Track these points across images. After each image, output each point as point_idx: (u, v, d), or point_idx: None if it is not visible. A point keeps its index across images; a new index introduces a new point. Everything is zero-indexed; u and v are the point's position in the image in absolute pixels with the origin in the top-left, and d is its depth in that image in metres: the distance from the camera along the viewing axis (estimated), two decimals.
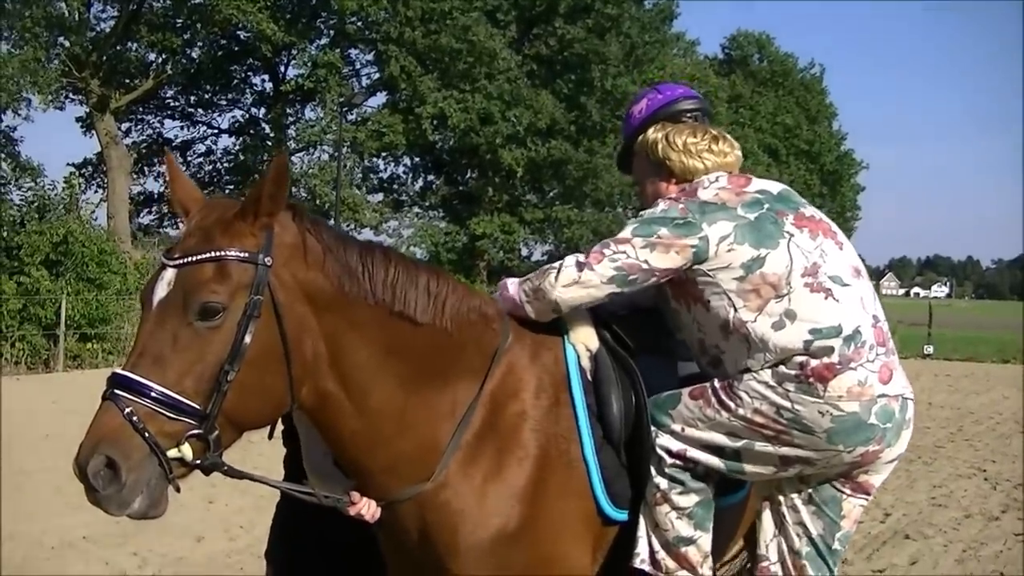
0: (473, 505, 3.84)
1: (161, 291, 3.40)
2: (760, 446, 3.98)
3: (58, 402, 18.01)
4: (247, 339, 3.35)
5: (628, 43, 46.84)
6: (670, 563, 4.09)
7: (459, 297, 3.97)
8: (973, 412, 22.78)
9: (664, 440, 4.07)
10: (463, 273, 42.02)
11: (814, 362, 3.85)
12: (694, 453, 4.05)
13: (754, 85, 68.36)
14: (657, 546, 4.10)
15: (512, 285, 4.18)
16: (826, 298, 3.93)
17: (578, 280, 3.93)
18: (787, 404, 3.87)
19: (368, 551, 4.24)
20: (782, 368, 3.89)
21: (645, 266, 3.92)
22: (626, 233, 3.96)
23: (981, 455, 16.80)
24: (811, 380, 3.85)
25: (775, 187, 4.22)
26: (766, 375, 3.91)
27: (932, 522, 11.75)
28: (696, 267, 3.97)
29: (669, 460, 4.07)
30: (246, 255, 3.40)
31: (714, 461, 4.05)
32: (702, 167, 4.18)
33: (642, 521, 4.12)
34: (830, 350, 3.85)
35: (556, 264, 4.03)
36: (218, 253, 3.38)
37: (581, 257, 3.98)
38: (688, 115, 4.34)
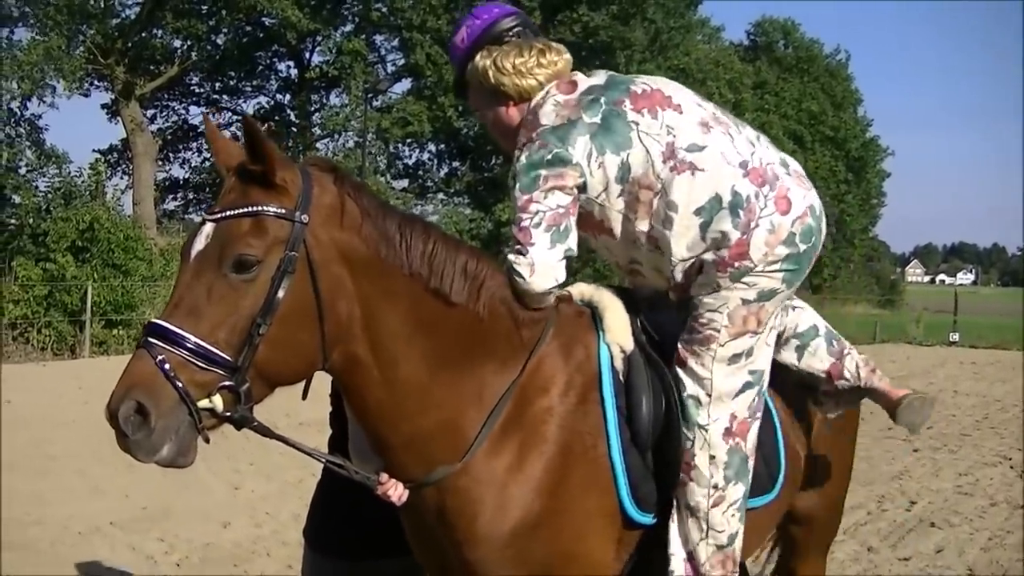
0: (493, 495, 3.84)
1: (199, 244, 3.45)
2: (766, 336, 4.20)
3: (84, 388, 18.05)
4: (280, 294, 3.39)
5: (653, 29, 46.65)
6: (716, 572, 4.12)
7: (497, 284, 3.96)
8: (999, 400, 22.75)
9: (714, 425, 4.09)
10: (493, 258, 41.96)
11: (723, 252, 3.98)
12: (741, 406, 4.15)
13: (779, 71, 68.01)
14: (704, 556, 4.10)
15: None
16: (693, 174, 3.96)
17: (532, 264, 3.90)
18: (740, 293, 4.05)
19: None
20: (707, 276, 4.03)
21: (560, 209, 3.91)
22: (520, 196, 3.92)
23: (1007, 443, 16.78)
24: (735, 265, 4.00)
25: (601, 77, 4.18)
26: (703, 291, 4.05)
27: (958, 510, 11.74)
28: (585, 197, 3.99)
29: (725, 445, 4.09)
30: (283, 211, 3.44)
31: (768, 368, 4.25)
32: (536, 83, 4.13)
33: (676, 537, 4.12)
34: (725, 235, 3.96)
35: (508, 271, 3.98)
36: (255, 208, 3.44)
37: (515, 246, 3.96)
38: (510, 34, 4.24)
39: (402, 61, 47.92)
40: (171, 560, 9.25)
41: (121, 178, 46.94)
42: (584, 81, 4.15)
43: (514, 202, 3.95)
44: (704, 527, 4.09)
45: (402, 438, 3.81)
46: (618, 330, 4.18)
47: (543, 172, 3.88)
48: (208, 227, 3.47)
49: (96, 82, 43.89)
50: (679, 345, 4.13)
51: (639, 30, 45.12)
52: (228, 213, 3.46)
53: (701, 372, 4.10)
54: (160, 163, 47.97)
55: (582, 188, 3.96)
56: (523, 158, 3.94)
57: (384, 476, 3.86)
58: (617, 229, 4.06)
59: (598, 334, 4.17)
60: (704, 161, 3.98)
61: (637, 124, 3.98)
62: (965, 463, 14.88)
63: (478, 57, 4.15)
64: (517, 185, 3.92)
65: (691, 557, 4.11)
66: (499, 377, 3.93)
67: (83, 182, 33.10)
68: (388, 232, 3.69)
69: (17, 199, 33.58)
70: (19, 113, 38.37)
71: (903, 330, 43.55)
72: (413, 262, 3.72)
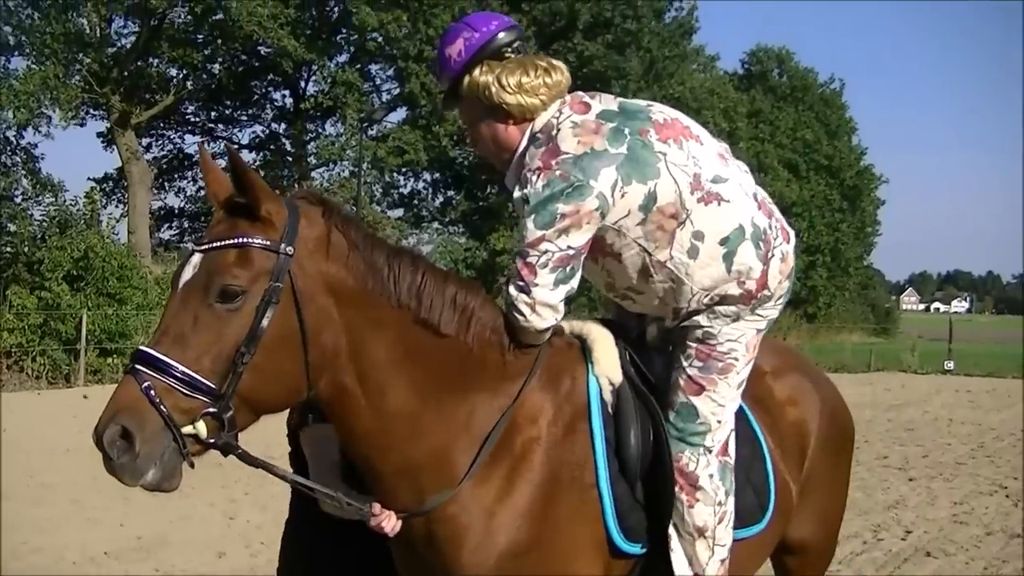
0: (481, 523, 3.86)
1: (188, 274, 3.52)
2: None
3: (79, 417, 18.02)
4: (265, 323, 3.44)
5: (648, 58, 46.77)
6: None
7: (487, 314, 4.00)
8: (994, 428, 22.73)
9: (716, 447, 4.18)
10: (483, 289, 41.94)
11: (750, 284, 4.10)
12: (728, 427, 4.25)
13: (774, 100, 68.25)
14: (712, 573, 4.15)
15: None
16: (719, 204, 4.03)
17: (534, 302, 3.91)
18: (755, 324, 4.24)
19: (380, 568, 4.23)
20: (730, 307, 4.13)
21: (571, 251, 3.90)
22: (533, 231, 3.87)
23: (1003, 472, 16.76)
24: (758, 296, 4.15)
25: (613, 103, 4.15)
26: (724, 323, 4.16)
27: (953, 539, 11.74)
28: (601, 223, 3.95)
29: (718, 462, 4.17)
30: (268, 243, 3.49)
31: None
32: (540, 103, 4.09)
33: (682, 562, 4.15)
34: (750, 268, 4.07)
35: (507, 301, 4.00)
36: (242, 240, 3.49)
37: (518, 281, 3.94)
38: (509, 49, 4.15)
39: (397, 90, 47.98)
40: None
41: (116, 207, 46.96)
42: (595, 103, 4.12)
43: (525, 231, 3.91)
44: (712, 545, 4.14)
45: (392, 466, 3.83)
46: (607, 362, 4.20)
47: (560, 207, 3.83)
48: (196, 257, 3.54)
49: (92, 111, 43.98)
50: (690, 374, 4.18)
51: (634, 59, 45.24)
52: (215, 244, 3.52)
53: (719, 400, 4.18)
54: (155, 192, 48.06)
55: (602, 217, 3.93)
56: (540, 185, 3.88)
57: (377, 507, 3.86)
58: (626, 255, 4.06)
59: (587, 366, 4.20)
60: (728, 192, 4.05)
61: (665, 155, 3.98)
62: (961, 492, 14.87)
63: (477, 72, 4.08)
64: (532, 217, 3.88)
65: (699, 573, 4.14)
66: (489, 406, 3.96)
67: (78, 211, 33.11)
68: (376, 264, 3.74)
69: (12, 228, 33.53)
70: (15, 142, 38.51)
71: (898, 358, 43.49)
72: (401, 293, 3.77)
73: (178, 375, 3.35)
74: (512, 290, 3.95)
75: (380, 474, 3.87)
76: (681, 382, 4.20)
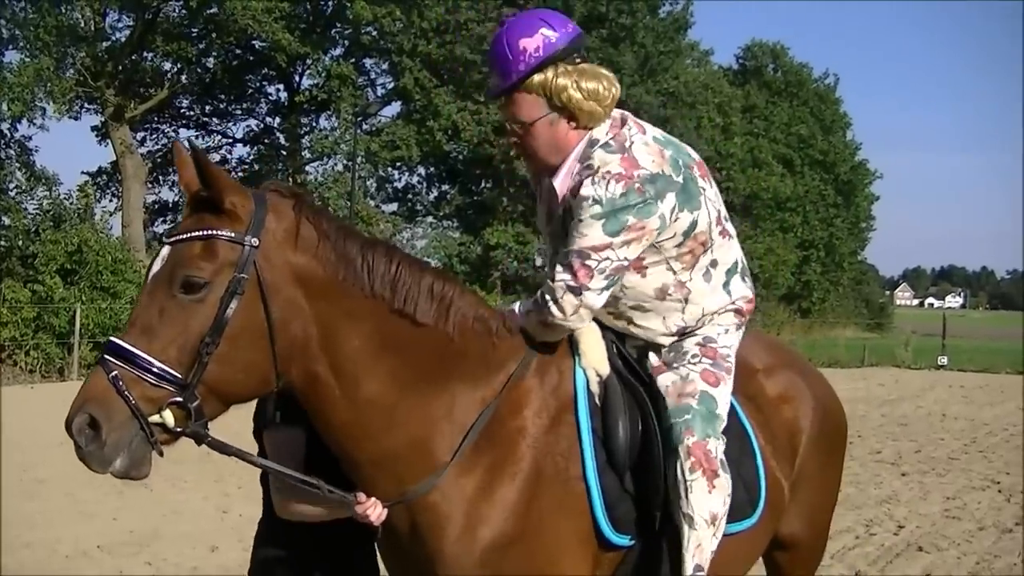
0: (463, 513, 3.89)
1: (156, 266, 3.60)
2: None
3: None
4: (228, 314, 3.50)
5: (642, 53, 46.77)
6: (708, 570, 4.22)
7: (467, 303, 4.04)
8: (987, 424, 22.75)
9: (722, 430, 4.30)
10: (478, 284, 41.96)
11: (745, 305, 4.53)
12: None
13: (768, 95, 68.20)
14: (708, 560, 4.18)
15: (519, 316, 4.23)
16: (729, 239, 4.46)
17: (580, 304, 4.01)
18: (738, 336, 4.57)
19: (350, 569, 4.20)
20: (726, 320, 4.47)
21: (625, 263, 4.06)
22: (600, 236, 3.97)
23: (995, 467, 16.78)
24: (747, 316, 4.60)
25: (653, 128, 4.34)
26: (720, 331, 4.46)
27: (946, 534, 11.74)
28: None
29: (724, 444, 4.27)
30: (233, 235, 3.55)
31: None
32: (603, 113, 4.18)
33: (690, 550, 4.14)
34: (744, 294, 4.53)
35: (547, 294, 4.06)
36: (207, 232, 3.55)
37: (570, 279, 4.00)
38: (576, 56, 4.20)
39: (391, 84, 47.98)
40: None
41: (110, 200, 46.96)
42: (647, 125, 4.31)
43: (587, 232, 3.99)
44: (716, 533, 4.18)
45: (369, 456, 3.86)
46: (594, 355, 4.25)
47: (631, 219, 3.98)
48: (165, 250, 3.61)
49: (86, 105, 43.90)
50: (705, 366, 4.34)
51: (629, 54, 45.24)
52: (182, 237, 3.59)
53: (727, 395, 4.36)
54: (149, 186, 47.94)
55: (656, 236, 4.12)
56: (618, 192, 3.97)
57: (362, 496, 3.86)
58: (652, 271, 4.23)
59: (574, 358, 4.24)
60: (732, 229, 4.46)
61: (704, 191, 4.27)
62: (953, 487, 14.88)
63: (551, 72, 4.09)
64: (602, 222, 3.97)
65: (698, 569, 4.16)
66: (471, 396, 3.99)
67: (72, 204, 33.09)
68: (349, 255, 3.77)
69: (6, 221, 33.58)
70: (9, 135, 38.48)
71: (892, 353, 43.52)
72: (375, 284, 3.80)
73: (144, 365, 3.42)
74: (559, 287, 4.03)
75: (358, 464, 3.90)
76: (699, 373, 4.30)
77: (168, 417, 3.44)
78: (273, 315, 3.56)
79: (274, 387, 3.70)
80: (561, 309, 4.01)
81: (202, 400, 3.50)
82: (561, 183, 4.19)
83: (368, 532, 4.07)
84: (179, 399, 3.45)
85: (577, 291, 3.99)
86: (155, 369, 3.42)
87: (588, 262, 3.98)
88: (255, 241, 3.56)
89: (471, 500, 3.90)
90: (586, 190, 4.00)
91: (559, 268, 4.04)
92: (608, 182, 3.98)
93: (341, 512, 3.89)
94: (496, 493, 3.91)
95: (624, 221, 3.96)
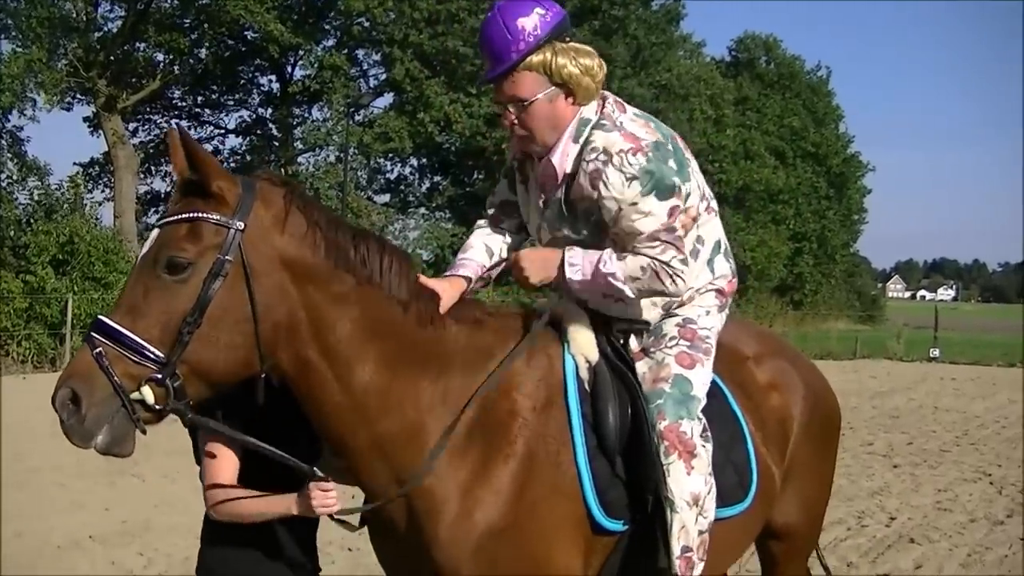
0: (456, 498, 3.92)
1: (145, 248, 3.70)
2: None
3: None
4: (211, 295, 3.56)
5: (635, 45, 46.75)
6: (701, 556, 4.24)
7: None
8: (979, 416, 22.78)
9: (699, 411, 4.31)
10: None
11: (725, 285, 4.63)
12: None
13: (761, 87, 68.16)
14: (695, 543, 4.20)
15: (607, 267, 4.21)
16: (714, 215, 4.60)
17: (689, 272, 4.26)
18: (720, 318, 4.63)
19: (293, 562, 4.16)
20: (706, 300, 4.56)
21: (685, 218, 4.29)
22: (660, 206, 4.11)
23: (987, 459, 16.81)
24: (728, 296, 4.67)
25: (635, 108, 4.46)
26: (701, 312, 4.53)
27: (937, 526, 11.77)
28: None
29: (701, 427, 4.29)
30: (218, 218, 3.61)
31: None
32: (595, 90, 4.29)
33: (676, 534, 4.16)
34: (724, 273, 4.63)
35: (655, 263, 4.16)
36: (193, 215, 3.63)
37: (676, 254, 4.16)
38: (566, 35, 4.31)
39: (383, 76, 47.88)
40: (151, 574, 9.22)
41: (102, 191, 46.90)
42: (625, 104, 4.43)
43: (649, 206, 4.11)
44: (699, 515, 4.19)
45: (363, 442, 3.89)
46: (583, 342, 4.30)
47: (674, 180, 4.14)
48: (154, 232, 3.70)
49: (78, 95, 43.81)
50: (682, 349, 4.38)
51: (621, 46, 45.16)
52: (170, 219, 3.67)
53: (704, 377, 4.38)
54: (142, 176, 47.91)
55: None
56: (642, 160, 4.09)
57: (330, 485, 3.83)
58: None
59: (563, 345, 4.28)
60: (715, 206, 4.54)
61: (690, 161, 4.38)
62: (945, 479, 14.90)
63: (549, 51, 4.18)
64: (652, 193, 4.08)
65: (686, 551, 4.18)
66: (464, 381, 4.04)
67: (63, 195, 33.05)
68: (341, 243, 3.83)
69: None
70: (0, 125, 38.31)
71: (884, 346, 43.54)
72: (373, 272, 3.87)
73: (128, 342, 3.49)
74: (673, 257, 4.16)
75: (352, 448, 3.92)
76: (673, 356, 4.34)
77: (148, 394, 3.50)
78: (257, 298, 3.61)
79: (258, 370, 3.71)
80: (683, 279, 4.21)
81: (185, 380, 3.55)
82: (559, 161, 4.26)
83: (309, 526, 4.11)
84: (158, 376, 3.50)
85: (687, 260, 4.20)
86: (137, 346, 3.49)
87: (676, 234, 4.16)
88: (240, 224, 3.60)
89: (466, 484, 3.93)
90: (613, 175, 4.09)
91: (658, 249, 4.14)
92: (626, 157, 4.08)
93: (275, 513, 3.90)
94: (491, 477, 3.94)
95: (669, 185, 4.11)
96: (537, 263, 4.26)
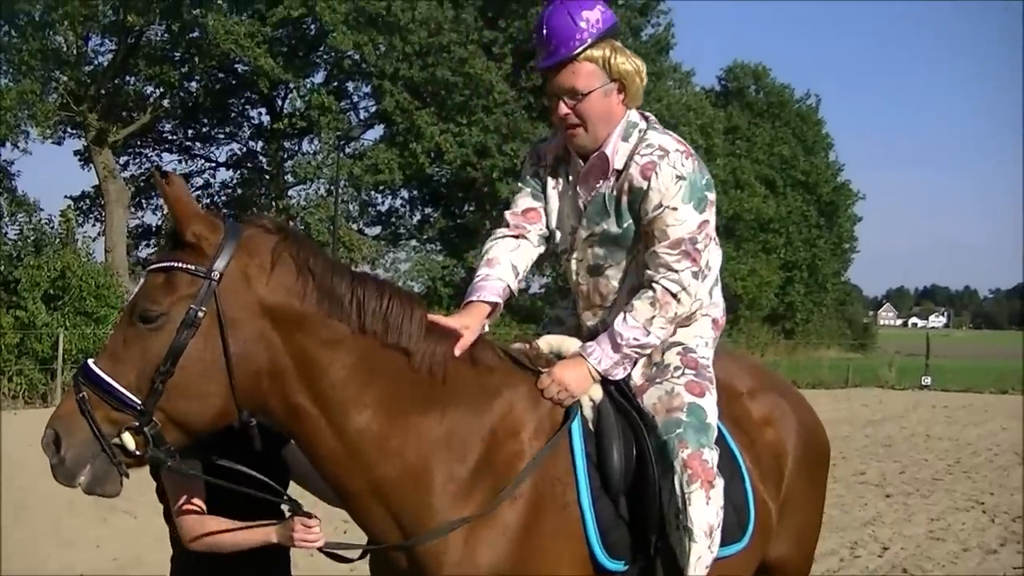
0: (461, 538, 3.88)
1: (133, 293, 3.74)
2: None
3: None
4: (182, 345, 3.55)
5: None
6: None
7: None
8: (971, 444, 22.76)
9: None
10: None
11: (717, 315, 4.65)
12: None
13: (750, 116, 68.31)
14: (705, 571, 4.19)
15: (623, 338, 4.24)
16: (718, 245, 4.62)
17: (700, 288, 4.32)
18: (712, 349, 4.62)
19: None
20: (704, 332, 4.57)
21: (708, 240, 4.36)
22: (693, 216, 4.21)
23: (979, 487, 16.78)
24: (721, 327, 4.70)
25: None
26: (701, 342, 4.53)
27: (930, 556, 11.75)
28: None
29: (717, 456, 4.28)
30: (194, 268, 3.61)
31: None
32: (641, 92, 4.41)
33: (695, 561, 4.15)
34: (718, 305, 4.66)
35: (666, 291, 4.20)
36: (169, 264, 3.65)
37: (691, 266, 4.21)
38: (617, 39, 4.41)
39: (374, 107, 47.96)
40: None
41: (93, 225, 46.90)
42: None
43: (684, 214, 4.20)
44: (711, 546, 4.18)
45: (360, 486, 3.87)
46: None
47: (709, 195, 4.28)
48: (143, 277, 3.75)
49: (69, 129, 43.86)
50: (690, 378, 4.36)
51: None
52: (152, 267, 3.71)
53: (713, 405, 4.36)
54: (132, 210, 47.92)
55: None
56: (693, 166, 4.25)
57: (314, 521, 3.86)
58: None
59: None
60: (715, 236, 4.52)
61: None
62: (937, 508, 14.88)
63: (608, 47, 4.27)
64: (692, 202, 4.20)
65: None
66: (467, 424, 3.99)
67: (54, 229, 33.03)
68: (335, 290, 3.80)
69: None
70: None
71: (875, 374, 43.59)
72: (366, 320, 3.84)
73: (107, 388, 3.53)
74: (686, 276, 4.22)
75: (350, 494, 3.91)
76: (683, 385, 4.33)
77: (128, 440, 3.54)
78: (232, 348, 3.60)
79: (235, 419, 3.72)
80: (692, 296, 4.24)
81: (163, 427, 3.58)
82: (612, 153, 4.34)
83: (283, 553, 4.18)
84: (135, 424, 3.53)
85: (699, 275, 4.23)
86: (116, 393, 3.53)
87: (697, 246, 4.20)
88: (216, 275, 3.60)
89: (471, 527, 3.89)
90: (666, 169, 4.19)
91: (675, 257, 4.19)
92: (680, 158, 4.23)
93: (254, 543, 3.93)
94: (496, 519, 3.91)
95: (704, 197, 4.21)
96: (569, 378, 4.20)
